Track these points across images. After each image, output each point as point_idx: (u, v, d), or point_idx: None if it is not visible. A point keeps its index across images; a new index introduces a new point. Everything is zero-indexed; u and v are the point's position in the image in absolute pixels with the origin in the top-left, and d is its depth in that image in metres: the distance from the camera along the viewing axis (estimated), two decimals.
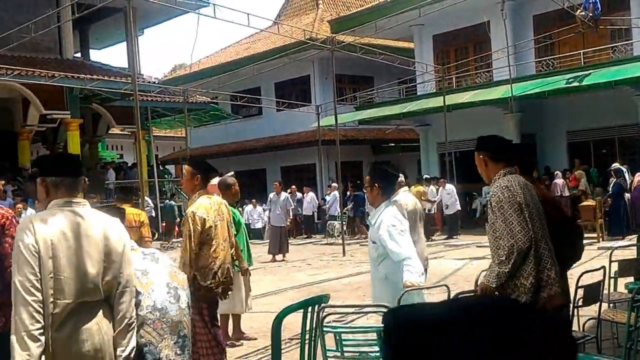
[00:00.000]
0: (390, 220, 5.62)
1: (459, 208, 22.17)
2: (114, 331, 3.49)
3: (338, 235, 22.58)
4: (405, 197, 7.19)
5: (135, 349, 3.57)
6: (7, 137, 26.65)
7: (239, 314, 8.76)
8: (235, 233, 8.24)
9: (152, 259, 4.10)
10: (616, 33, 22.61)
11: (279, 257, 18.63)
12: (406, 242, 5.57)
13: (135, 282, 3.77)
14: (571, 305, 5.53)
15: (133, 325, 3.55)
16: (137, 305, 3.74)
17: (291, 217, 22.45)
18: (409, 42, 29.08)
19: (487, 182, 4.94)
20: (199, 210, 6.41)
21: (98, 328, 3.43)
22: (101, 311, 3.47)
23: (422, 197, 21.95)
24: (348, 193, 24.50)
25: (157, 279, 3.97)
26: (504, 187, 4.61)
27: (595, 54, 22.30)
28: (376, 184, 5.86)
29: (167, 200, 27.30)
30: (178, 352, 3.87)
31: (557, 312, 4.58)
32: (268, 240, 20.14)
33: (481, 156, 4.91)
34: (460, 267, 14.85)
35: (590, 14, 19.41)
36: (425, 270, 7.30)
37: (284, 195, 20.09)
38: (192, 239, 6.35)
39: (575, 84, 20.16)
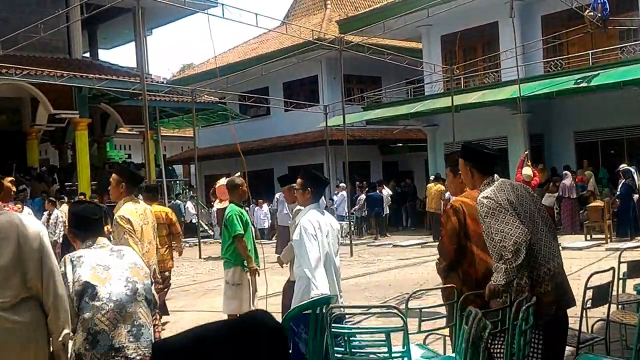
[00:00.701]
0: (305, 223, 5.85)
1: None
2: (48, 321, 3.86)
3: (345, 236, 22.57)
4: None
5: (69, 334, 3.94)
6: (16, 137, 26.78)
7: None
8: (243, 233, 8.28)
9: (117, 256, 4.42)
10: (625, 33, 22.56)
11: None
12: (314, 251, 5.76)
13: (93, 277, 4.15)
14: (580, 305, 5.57)
15: (62, 313, 3.90)
16: (94, 296, 4.10)
17: None
18: (417, 42, 29.07)
19: (470, 189, 5.12)
20: (124, 214, 6.82)
21: (26, 323, 3.77)
22: (29, 306, 3.81)
23: (441, 197, 21.84)
24: (359, 193, 24.59)
25: (117, 274, 4.28)
26: (486, 197, 4.74)
27: (603, 55, 22.25)
28: (309, 188, 6.10)
29: (174, 200, 27.41)
30: (131, 339, 4.15)
31: (548, 312, 4.66)
32: (275, 240, 20.12)
33: (468, 166, 5.03)
34: None
35: (599, 15, 19.37)
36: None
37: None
38: (133, 237, 6.75)
39: (584, 84, 20.14)
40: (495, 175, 4.97)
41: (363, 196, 24.73)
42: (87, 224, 4.51)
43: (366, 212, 24.44)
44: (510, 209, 4.65)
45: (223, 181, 9.66)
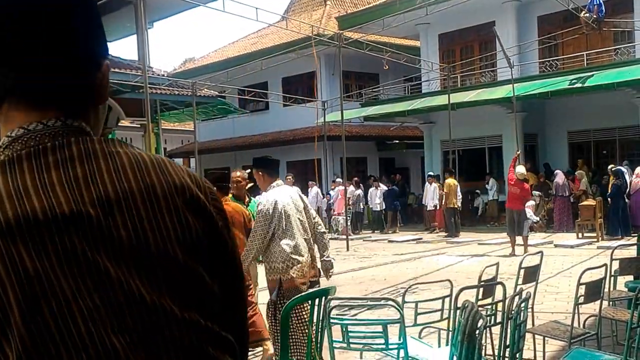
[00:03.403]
0: None
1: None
2: None
3: (342, 230, 22.76)
4: None
5: None
6: None
7: None
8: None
9: None
10: (619, 35, 22.76)
11: None
12: None
13: None
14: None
15: None
16: None
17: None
18: (415, 40, 29.19)
19: (264, 190, 6.62)
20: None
21: None
22: None
23: (450, 191, 21.66)
24: (354, 189, 24.71)
25: None
26: (265, 199, 6.38)
27: (598, 56, 22.43)
28: None
29: None
30: None
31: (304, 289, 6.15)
32: None
33: (260, 172, 6.63)
34: (453, 264, 15.12)
35: (595, 16, 19.55)
36: None
37: (295, 189, 19.85)
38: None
39: (578, 85, 20.28)
40: (279, 181, 6.61)
41: (358, 192, 24.89)
42: None
43: (384, 205, 24.62)
44: (278, 210, 6.27)
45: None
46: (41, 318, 1.05)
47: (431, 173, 24.26)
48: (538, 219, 20.62)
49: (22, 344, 1.04)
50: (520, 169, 16.32)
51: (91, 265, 1.09)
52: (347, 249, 19.16)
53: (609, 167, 19.61)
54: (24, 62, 1.19)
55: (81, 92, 1.26)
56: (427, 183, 23.93)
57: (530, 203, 18.62)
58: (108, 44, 1.35)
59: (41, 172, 1.13)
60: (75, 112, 1.24)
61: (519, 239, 16.10)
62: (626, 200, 18.70)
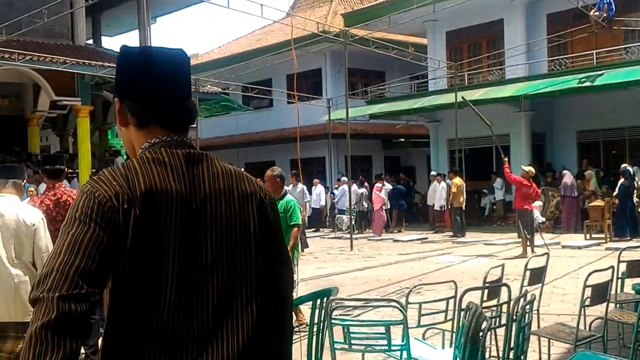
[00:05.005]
0: None
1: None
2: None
3: (346, 230, 22.60)
4: None
5: None
6: (18, 123, 26.74)
7: None
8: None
9: None
10: (629, 34, 22.54)
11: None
12: None
13: None
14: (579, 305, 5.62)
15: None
16: None
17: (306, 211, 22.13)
18: (421, 37, 29.03)
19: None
20: None
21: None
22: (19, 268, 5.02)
23: (458, 190, 21.45)
24: (358, 187, 24.53)
25: None
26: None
27: (608, 55, 22.23)
28: None
29: None
30: None
31: None
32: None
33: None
34: (458, 264, 14.99)
35: (605, 14, 19.39)
36: None
37: (300, 187, 19.55)
38: None
39: (587, 84, 20.12)
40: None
41: (361, 190, 24.73)
42: None
43: (390, 204, 24.38)
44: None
45: None
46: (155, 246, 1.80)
47: (434, 173, 24.02)
48: (544, 219, 20.42)
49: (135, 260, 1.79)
50: (530, 168, 16.24)
51: (190, 230, 1.85)
52: (351, 249, 19.01)
53: (622, 166, 19.39)
54: (163, 102, 1.99)
55: (188, 118, 2.05)
56: (434, 182, 23.64)
57: (538, 204, 18.43)
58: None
59: (176, 168, 1.88)
60: (183, 131, 2.02)
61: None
62: (634, 200, 18.50)
